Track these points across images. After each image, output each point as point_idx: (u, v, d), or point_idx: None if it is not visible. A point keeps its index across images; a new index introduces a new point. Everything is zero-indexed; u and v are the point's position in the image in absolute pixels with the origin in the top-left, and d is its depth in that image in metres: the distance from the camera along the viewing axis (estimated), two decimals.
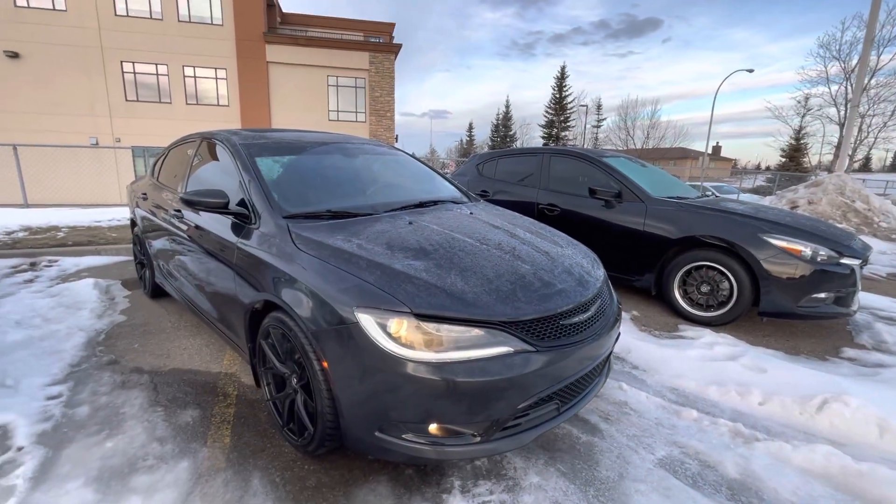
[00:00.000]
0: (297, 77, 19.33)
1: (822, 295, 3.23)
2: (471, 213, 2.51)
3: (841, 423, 2.19)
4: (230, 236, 2.24)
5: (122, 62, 17.35)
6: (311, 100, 19.66)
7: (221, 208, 2.20)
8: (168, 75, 18.05)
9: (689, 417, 2.26)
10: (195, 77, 18.41)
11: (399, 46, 20.33)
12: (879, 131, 28.71)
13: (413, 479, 1.79)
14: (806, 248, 3.22)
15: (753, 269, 3.30)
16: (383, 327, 1.51)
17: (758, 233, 3.33)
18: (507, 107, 53.21)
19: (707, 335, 3.22)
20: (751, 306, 3.37)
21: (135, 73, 17.65)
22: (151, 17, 17.41)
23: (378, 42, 21.97)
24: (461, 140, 64.16)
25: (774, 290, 3.24)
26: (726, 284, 3.44)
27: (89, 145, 14.66)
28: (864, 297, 4.19)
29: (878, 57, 25.29)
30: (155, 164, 3.81)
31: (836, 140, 29.24)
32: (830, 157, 31.01)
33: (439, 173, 3.30)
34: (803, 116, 31.34)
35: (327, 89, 19.81)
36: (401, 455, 1.60)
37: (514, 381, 1.53)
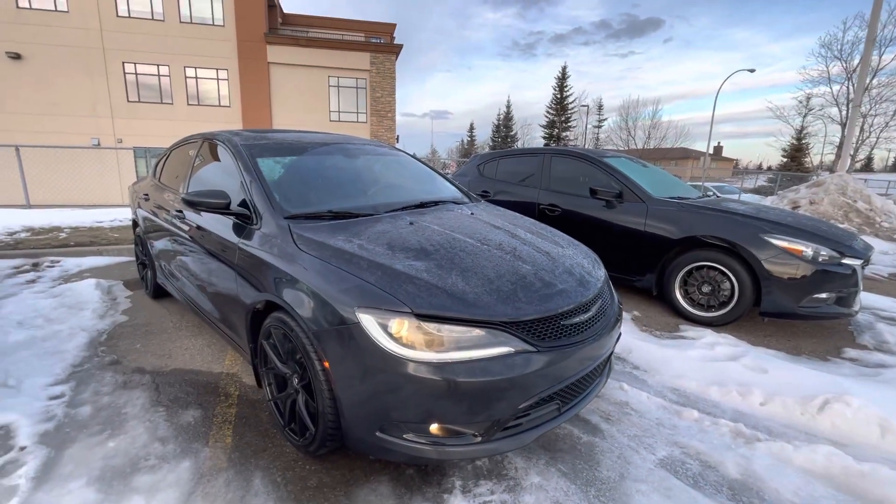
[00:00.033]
0: (299, 78, 19.34)
1: (824, 295, 3.23)
2: (472, 214, 2.51)
3: (842, 423, 2.19)
4: (231, 237, 2.24)
5: (123, 63, 17.38)
6: (312, 100, 19.66)
7: (223, 209, 2.21)
8: (169, 76, 18.07)
9: (690, 418, 2.26)
10: (196, 78, 18.43)
11: (400, 47, 20.33)
12: (881, 131, 28.76)
13: (414, 479, 1.80)
14: (807, 249, 3.21)
15: (755, 270, 3.30)
16: (384, 327, 1.51)
17: (759, 233, 3.32)
18: (509, 107, 53.49)
19: (708, 335, 3.22)
20: (752, 306, 3.37)
21: (136, 73, 17.67)
22: (153, 18, 17.43)
23: (379, 43, 21.96)
24: (462, 140, 64.42)
25: (776, 290, 3.23)
26: (727, 285, 3.43)
27: (91, 146, 14.64)
28: (865, 298, 4.18)
29: (880, 57, 25.33)
30: (156, 165, 3.82)
31: (837, 140, 29.23)
32: (832, 157, 30.99)
33: (440, 174, 3.30)
34: (805, 116, 31.42)
35: (328, 90, 19.81)
36: (402, 455, 1.60)
37: (515, 382, 1.53)
